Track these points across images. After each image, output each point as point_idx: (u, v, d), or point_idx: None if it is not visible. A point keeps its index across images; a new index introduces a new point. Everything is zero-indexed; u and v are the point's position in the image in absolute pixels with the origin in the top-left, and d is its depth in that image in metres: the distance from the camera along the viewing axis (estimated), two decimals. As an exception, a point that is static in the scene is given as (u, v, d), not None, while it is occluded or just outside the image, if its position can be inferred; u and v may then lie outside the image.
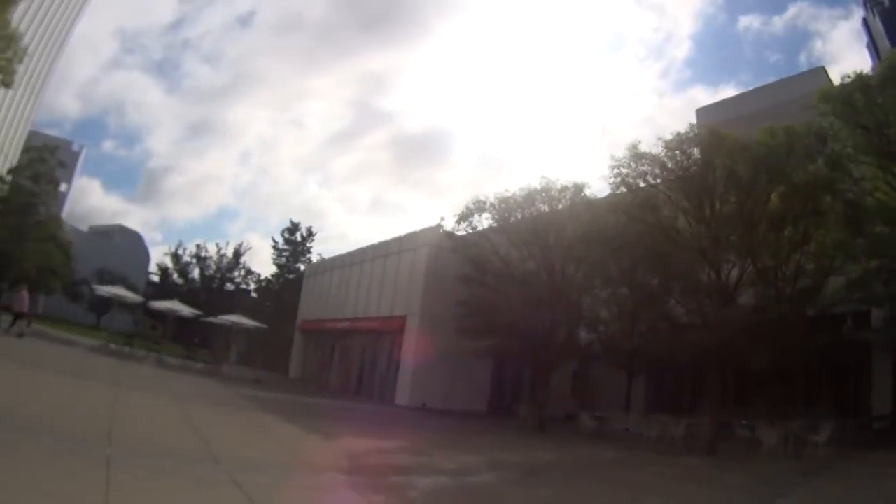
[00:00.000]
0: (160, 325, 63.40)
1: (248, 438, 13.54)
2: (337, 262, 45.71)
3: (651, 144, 22.85)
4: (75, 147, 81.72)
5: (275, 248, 69.53)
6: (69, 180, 77.58)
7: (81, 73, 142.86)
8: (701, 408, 25.97)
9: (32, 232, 30.04)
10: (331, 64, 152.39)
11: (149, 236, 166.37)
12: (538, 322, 25.65)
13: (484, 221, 28.20)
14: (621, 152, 23.15)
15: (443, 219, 31.47)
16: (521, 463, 15.17)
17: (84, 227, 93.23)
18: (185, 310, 39.85)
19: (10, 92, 38.58)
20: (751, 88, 37.22)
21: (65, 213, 76.81)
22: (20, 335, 25.76)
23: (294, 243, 69.34)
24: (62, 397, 13.70)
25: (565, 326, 26.88)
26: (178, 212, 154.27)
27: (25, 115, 42.16)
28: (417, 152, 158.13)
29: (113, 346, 34.18)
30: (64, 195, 75.77)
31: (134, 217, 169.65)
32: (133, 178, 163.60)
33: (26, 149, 33.36)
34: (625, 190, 23.64)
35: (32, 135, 64.01)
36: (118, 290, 39.20)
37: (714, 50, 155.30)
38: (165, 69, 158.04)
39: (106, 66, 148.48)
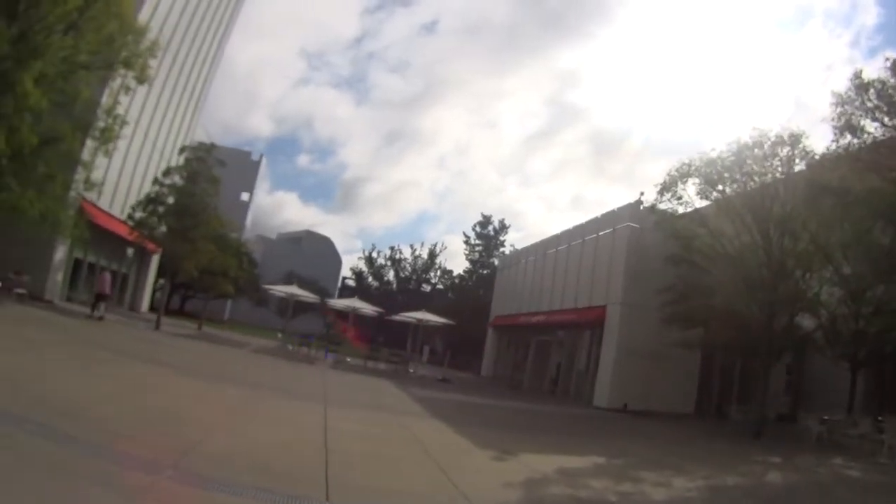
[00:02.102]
0: (353, 327, 66.95)
1: (391, 456, 11.40)
2: (530, 252, 45.85)
3: (878, 68, 21.21)
4: (255, 157, 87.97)
5: (467, 242, 71.75)
6: (251, 189, 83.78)
7: (271, 94, 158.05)
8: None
9: (191, 233, 32.13)
10: (520, 63, 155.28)
11: (349, 245, 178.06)
12: (756, 307, 24.27)
13: (690, 189, 26.95)
14: (843, 85, 21.73)
15: (642, 194, 30.79)
16: (749, 489, 13.24)
17: (273, 236, 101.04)
18: (366, 308, 41.73)
19: (169, 99, 42.47)
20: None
21: (249, 222, 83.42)
22: (101, 318, 27.80)
23: (487, 237, 70.91)
24: (168, 402, 12.44)
25: (787, 311, 25.25)
26: (376, 219, 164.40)
27: (187, 121, 45.98)
28: (614, 145, 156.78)
29: (290, 346, 36.50)
30: (246, 204, 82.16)
31: (332, 227, 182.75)
32: (329, 190, 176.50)
33: (181, 149, 35.79)
34: (850, 137, 22.04)
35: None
36: (293, 290, 41.42)
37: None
38: (353, 83, 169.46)
39: (295, 85, 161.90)
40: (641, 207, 30.36)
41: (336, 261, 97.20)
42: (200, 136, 58.99)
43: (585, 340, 34.59)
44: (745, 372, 32.74)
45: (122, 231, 34.83)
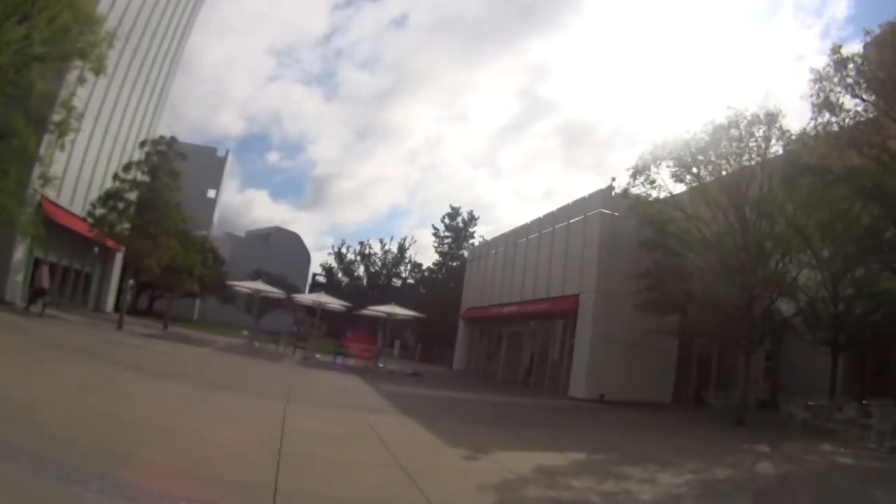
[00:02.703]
0: (323, 323, 65.67)
1: (352, 459, 10.27)
2: (500, 243, 44.71)
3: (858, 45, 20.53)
4: (220, 153, 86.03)
5: (435, 235, 70.64)
6: (217, 186, 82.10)
7: (240, 92, 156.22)
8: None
9: (152, 228, 31.03)
10: (491, 56, 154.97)
11: (320, 241, 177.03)
12: (735, 291, 23.49)
13: (664, 172, 26.07)
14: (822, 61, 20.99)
15: (614, 179, 29.94)
16: (742, 482, 12.26)
17: (242, 233, 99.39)
18: (334, 302, 40.64)
19: (130, 94, 41.24)
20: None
21: (216, 219, 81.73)
22: (40, 314, 26.76)
23: (456, 229, 69.88)
24: (118, 404, 11.43)
25: (767, 295, 24.50)
26: (348, 216, 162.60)
27: (150, 117, 44.59)
28: (585, 136, 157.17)
29: (257, 344, 35.47)
30: (213, 201, 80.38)
31: (304, 224, 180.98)
32: (300, 187, 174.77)
33: (141, 143, 34.33)
34: (828, 115, 21.26)
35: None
36: (258, 285, 40.54)
37: (872, 2, 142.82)
38: (323, 79, 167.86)
39: (264, 83, 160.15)
40: (613, 193, 29.58)
41: (305, 257, 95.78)
42: (164, 132, 58.03)
43: (559, 330, 33.67)
44: (723, 359, 32.26)
45: (84, 229, 33.43)
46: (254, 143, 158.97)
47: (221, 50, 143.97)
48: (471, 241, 67.77)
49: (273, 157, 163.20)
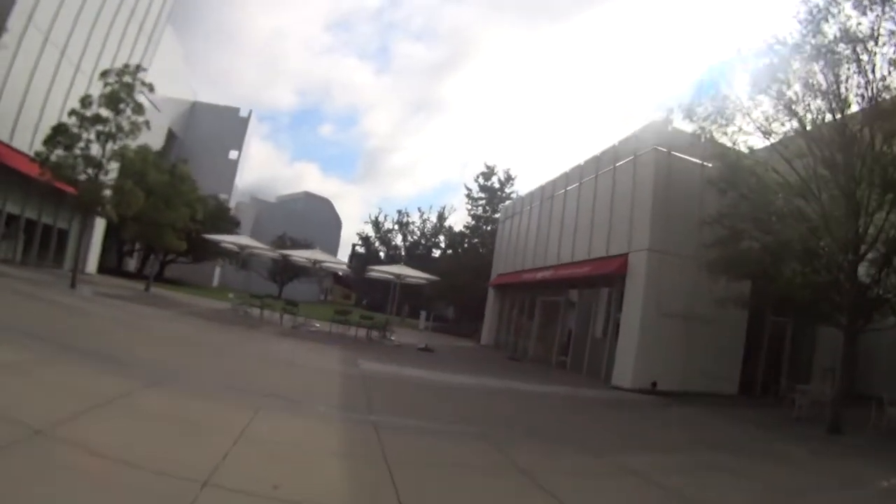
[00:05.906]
0: (353, 291, 61.06)
1: None
2: (535, 198, 37.88)
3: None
4: (243, 113, 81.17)
5: (468, 196, 65.10)
6: (240, 147, 77.40)
7: (293, 66, 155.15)
8: None
9: (105, 171, 26.66)
10: (548, 26, 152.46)
11: (370, 214, 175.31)
12: (834, 250, 16.87)
13: (738, 86, 19.20)
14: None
15: (671, 111, 22.75)
16: None
17: (273, 199, 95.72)
18: (332, 262, 37.21)
19: (108, 30, 37.50)
20: None
21: (238, 182, 77.58)
22: None
23: (490, 190, 64.00)
24: None
25: (876, 258, 17.34)
26: (399, 189, 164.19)
27: (137, 60, 39.70)
28: (643, 107, 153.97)
29: (247, 308, 31.27)
30: (235, 162, 75.95)
31: (353, 197, 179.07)
32: (352, 161, 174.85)
33: (103, 73, 28.66)
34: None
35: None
36: (244, 240, 35.82)
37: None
38: (376, 53, 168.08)
39: (317, 55, 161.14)
40: (671, 126, 22.94)
41: (336, 223, 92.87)
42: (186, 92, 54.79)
43: (602, 301, 27.06)
44: (796, 340, 25.76)
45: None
46: (306, 116, 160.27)
47: (274, 21, 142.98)
48: (507, 203, 61.94)
49: (325, 131, 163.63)
